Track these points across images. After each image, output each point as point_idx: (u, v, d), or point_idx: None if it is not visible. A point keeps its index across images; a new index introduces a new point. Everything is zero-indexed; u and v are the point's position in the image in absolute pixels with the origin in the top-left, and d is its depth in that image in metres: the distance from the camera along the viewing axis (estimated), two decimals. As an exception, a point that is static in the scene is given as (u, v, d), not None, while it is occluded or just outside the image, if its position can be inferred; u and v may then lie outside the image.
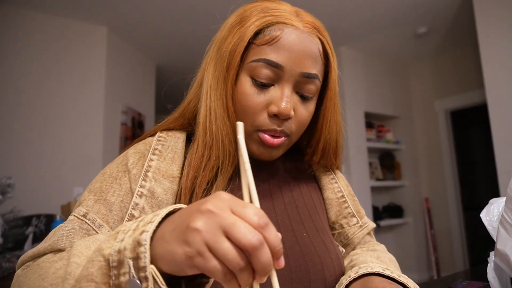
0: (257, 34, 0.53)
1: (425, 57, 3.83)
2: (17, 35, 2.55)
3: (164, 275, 0.34)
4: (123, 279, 0.33)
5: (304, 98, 0.56)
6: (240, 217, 0.30)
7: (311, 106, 0.58)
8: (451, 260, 3.54)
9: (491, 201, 0.67)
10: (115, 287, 0.33)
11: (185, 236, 0.30)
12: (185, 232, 0.30)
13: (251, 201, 0.35)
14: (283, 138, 0.56)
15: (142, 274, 0.32)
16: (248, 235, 0.29)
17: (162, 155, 0.55)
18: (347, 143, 3.28)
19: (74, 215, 0.50)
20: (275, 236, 0.31)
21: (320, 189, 0.69)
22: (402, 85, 3.98)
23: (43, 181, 2.49)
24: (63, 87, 2.68)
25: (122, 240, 0.35)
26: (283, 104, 0.52)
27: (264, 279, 0.31)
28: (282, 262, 0.32)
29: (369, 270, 0.51)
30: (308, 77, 0.54)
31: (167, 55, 3.47)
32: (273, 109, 0.53)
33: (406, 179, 3.83)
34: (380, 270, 0.51)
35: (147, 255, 0.32)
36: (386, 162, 3.85)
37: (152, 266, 0.33)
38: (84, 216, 0.49)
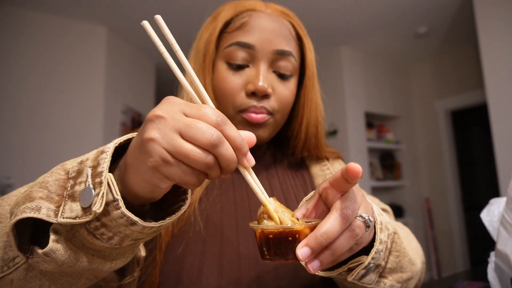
0: (228, 24, 0.57)
1: (425, 57, 3.83)
2: (17, 35, 2.55)
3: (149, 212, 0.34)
4: (78, 188, 0.32)
5: (282, 77, 0.57)
6: (196, 118, 0.29)
7: (291, 85, 0.59)
8: (451, 260, 3.54)
9: (492, 201, 0.67)
10: (68, 198, 0.32)
11: (143, 149, 0.29)
12: (142, 146, 0.29)
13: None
14: (265, 115, 0.56)
15: (97, 180, 0.31)
16: (205, 133, 0.28)
17: None
18: (347, 143, 3.28)
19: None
20: (235, 132, 0.30)
21: (312, 178, 0.69)
22: (402, 85, 3.98)
23: (43, 181, 2.49)
24: (63, 87, 2.68)
25: (87, 154, 0.35)
26: (259, 81, 0.54)
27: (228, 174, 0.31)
28: (250, 159, 0.32)
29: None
30: (282, 54, 0.56)
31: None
32: (250, 87, 0.55)
33: (406, 179, 3.83)
34: None
35: (107, 161, 0.32)
36: (386, 162, 3.85)
37: (110, 174, 0.32)
38: None
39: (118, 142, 0.34)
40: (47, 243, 0.31)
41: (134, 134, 0.35)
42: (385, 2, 2.68)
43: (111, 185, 0.31)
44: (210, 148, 0.28)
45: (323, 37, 3.21)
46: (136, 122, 3.28)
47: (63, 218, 0.31)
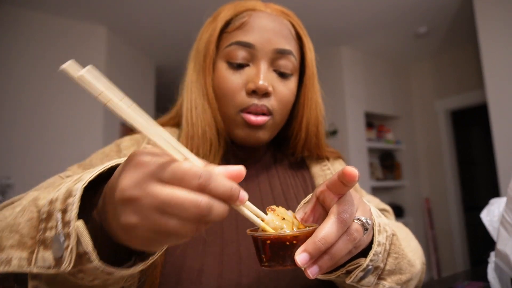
0: (228, 24, 0.57)
1: (425, 57, 3.83)
2: (17, 35, 2.55)
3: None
4: (48, 234, 0.29)
5: (282, 76, 0.57)
6: (175, 184, 0.26)
7: (291, 84, 0.59)
8: (451, 260, 3.54)
9: (492, 201, 0.67)
10: (41, 244, 0.29)
11: (126, 233, 0.27)
12: (124, 230, 0.27)
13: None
14: (266, 117, 0.56)
15: (66, 230, 0.28)
16: (190, 208, 0.25)
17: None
18: (347, 143, 3.28)
19: (58, 175, 0.53)
20: (222, 184, 0.26)
21: (312, 178, 0.68)
22: (402, 85, 3.98)
23: (43, 181, 2.49)
24: (63, 87, 2.67)
25: (59, 190, 0.31)
26: (260, 79, 0.54)
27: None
28: (243, 199, 0.28)
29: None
30: (282, 52, 0.56)
31: (167, 55, 3.46)
32: (251, 85, 0.54)
33: (406, 179, 3.83)
34: None
35: (75, 207, 0.28)
36: (386, 162, 3.85)
37: (79, 222, 0.28)
38: (67, 176, 0.52)
39: (87, 181, 0.31)
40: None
41: (106, 166, 0.32)
42: (385, 2, 2.68)
43: (80, 237, 0.28)
44: (199, 218, 0.26)
45: (323, 37, 3.21)
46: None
47: (37, 267, 0.29)
